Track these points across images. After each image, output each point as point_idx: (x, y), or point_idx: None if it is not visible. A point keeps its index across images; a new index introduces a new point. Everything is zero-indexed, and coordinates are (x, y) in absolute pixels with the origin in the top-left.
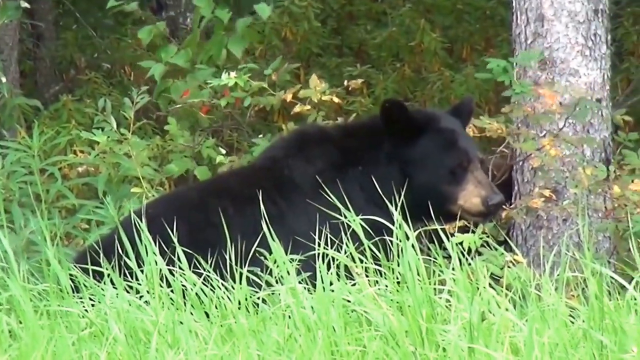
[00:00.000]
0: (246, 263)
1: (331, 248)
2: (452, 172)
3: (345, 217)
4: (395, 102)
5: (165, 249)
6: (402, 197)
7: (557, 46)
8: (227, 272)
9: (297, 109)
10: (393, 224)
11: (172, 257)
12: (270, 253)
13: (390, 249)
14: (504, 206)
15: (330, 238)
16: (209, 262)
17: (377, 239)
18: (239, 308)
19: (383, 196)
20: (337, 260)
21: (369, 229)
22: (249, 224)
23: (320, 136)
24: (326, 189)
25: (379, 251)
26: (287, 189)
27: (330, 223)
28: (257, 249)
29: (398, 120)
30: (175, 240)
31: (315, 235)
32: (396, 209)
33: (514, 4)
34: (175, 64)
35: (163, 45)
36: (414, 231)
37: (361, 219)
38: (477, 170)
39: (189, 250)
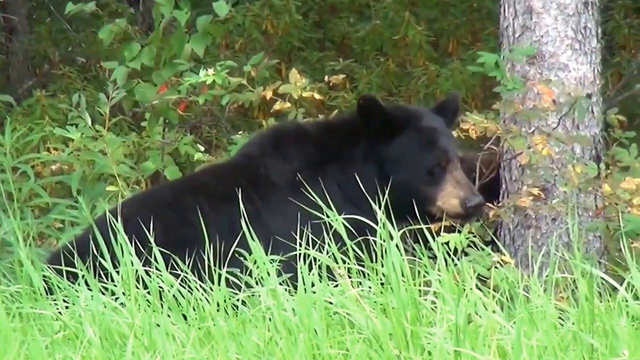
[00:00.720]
0: (224, 263)
1: (312, 248)
2: (430, 172)
3: (327, 216)
4: (370, 99)
5: (142, 249)
6: (385, 196)
7: (546, 40)
8: (204, 272)
9: (277, 106)
10: (375, 223)
11: (149, 257)
12: (249, 253)
13: (374, 249)
14: (491, 205)
15: (311, 238)
16: (186, 262)
17: (360, 238)
18: (217, 310)
19: (363, 195)
20: (318, 260)
21: (351, 229)
22: (225, 222)
23: (298, 133)
24: (305, 187)
25: (362, 251)
26: (263, 187)
27: (311, 222)
28: (236, 249)
29: (374, 117)
30: (151, 239)
31: (293, 234)
32: (380, 208)
33: None
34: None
35: (127, 42)
36: (398, 231)
37: (344, 218)
38: (456, 170)
39: (165, 250)
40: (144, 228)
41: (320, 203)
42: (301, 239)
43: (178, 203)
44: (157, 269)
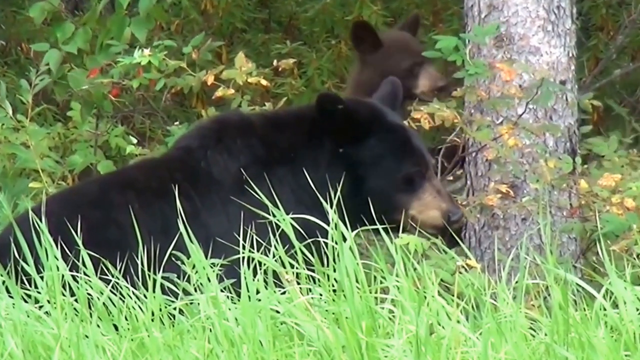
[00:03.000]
0: (158, 267)
1: (257, 251)
2: (406, 179)
3: (274, 215)
4: (331, 96)
5: (68, 252)
6: (338, 197)
7: (515, 20)
8: (136, 278)
9: (219, 92)
10: (328, 223)
11: (75, 261)
12: (187, 256)
13: (325, 253)
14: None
15: (256, 240)
16: (114, 266)
17: (309, 240)
18: (152, 320)
19: (318, 200)
20: (264, 265)
21: (301, 230)
22: (158, 222)
23: (243, 126)
24: (251, 185)
25: (312, 255)
26: (203, 183)
27: (256, 223)
28: (173, 251)
29: (338, 116)
30: (78, 241)
31: (236, 236)
32: (331, 207)
33: None
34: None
35: (59, 22)
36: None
37: (293, 218)
38: (435, 179)
39: (93, 253)
40: (66, 228)
41: (267, 202)
42: (245, 240)
43: (103, 200)
44: (85, 274)
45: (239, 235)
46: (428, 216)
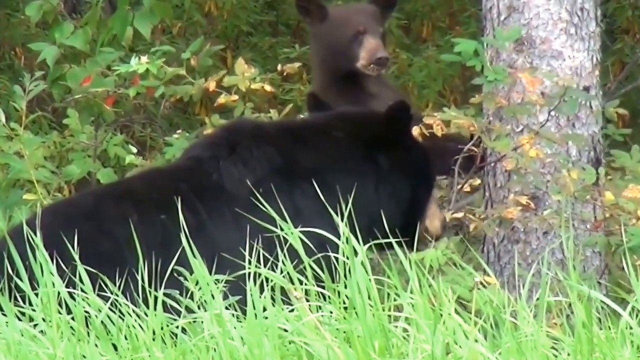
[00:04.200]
0: (158, 282)
1: (270, 268)
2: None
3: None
4: (405, 106)
5: (61, 267)
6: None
7: (537, 23)
8: (137, 294)
9: (221, 100)
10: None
11: (72, 276)
12: (190, 271)
13: (336, 268)
14: (473, 217)
15: (268, 256)
16: (102, 281)
17: (319, 255)
18: (153, 339)
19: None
20: (271, 281)
21: (309, 243)
22: (157, 235)
23: (259, 134)
24: (267, 198)
25: (322, 270)
26: (212, 195)
27: (265, 236)
28: (175, 267)
29: (404, 131)
30: (75, 255)
31: (243, 251)
32: (342, 220)
33: None
34: (72, 46)
35: (57, 23)
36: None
37: (301, 231)
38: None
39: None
40: (60, 242)
41: (275, 216)
42: (252, 255)
43: (97, 211)
44: (82, 290)
45: (252, 251)
46: (433, 226)
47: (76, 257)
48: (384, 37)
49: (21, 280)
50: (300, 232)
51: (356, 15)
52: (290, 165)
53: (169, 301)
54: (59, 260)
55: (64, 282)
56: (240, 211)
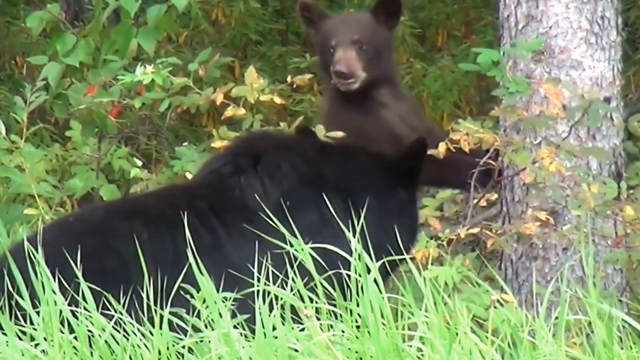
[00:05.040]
0: (165, 301)
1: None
2: None
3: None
4: (423, 143)
5: (63, 284)
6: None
7: (555, 32)
8: (143, 312)
9: (229, 112)
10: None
11: (74, 295)
12: (197, 289)
13: (348, 285)
14: (490, 232)
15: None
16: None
17: (330, 272)
18: (159, 359)
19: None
20: (281, 299)
21: (320, 259)
22: (168, 252)
23: (285, 146)
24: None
25: (334, 288)
26: (232, 213)
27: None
28: (181, 285)
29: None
30: (77, 273)
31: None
32: (354, 236)
33: None
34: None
35: (58, 32)
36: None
37: (312, 247)
38: None
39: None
40: (63, 258)
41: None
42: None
43: (104, 227)
44: (85, 309)
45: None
46: None
47: (79, 273)
48: (380, 48)
49: (22, 297)
50: (327, 248)
51: (336, 27)
52: (318, 177)
53: (176, 320)
54: (61, 277)
55: (66, 299)
56: (263, 228)
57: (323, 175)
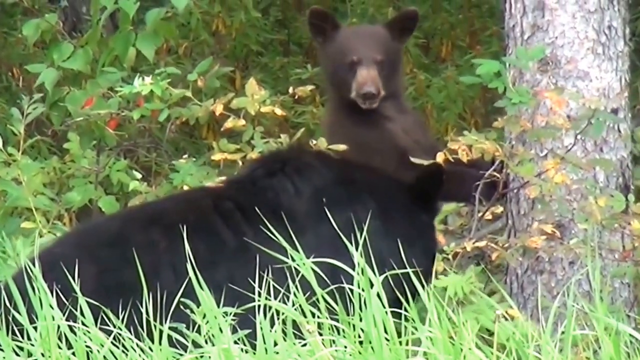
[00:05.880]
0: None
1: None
2: None
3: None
4: (440, 170)
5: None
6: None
7: (562, 42)
8: (162, 322)
9: (229, 123)
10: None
11: (83, 310)
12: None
13: (350, 300)
14: (495, 245)
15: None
16: (124, 312)
17: (333, 287)
18: None
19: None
20: (282, 313)
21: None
22: (185, 260)
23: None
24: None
25: (336, 302)
26: (263, 214)
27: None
28: (181, 299)
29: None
30: (77, 287)
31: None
32: (357, 249)
33: None
34: (71, 68)
35: (56, 42)
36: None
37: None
38: None
39: (93, 301)
40: (75, 272)
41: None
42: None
43: (121, 238)
44: (83, 324)
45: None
46: None
47: (77, 288)
48: (394, 63)
49: (19, 313)
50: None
51: (355, 42)
52: (351, 180)
53: (175, 335)
54: (67, 291)
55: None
56: (298, 228)
57: (355, 178)
